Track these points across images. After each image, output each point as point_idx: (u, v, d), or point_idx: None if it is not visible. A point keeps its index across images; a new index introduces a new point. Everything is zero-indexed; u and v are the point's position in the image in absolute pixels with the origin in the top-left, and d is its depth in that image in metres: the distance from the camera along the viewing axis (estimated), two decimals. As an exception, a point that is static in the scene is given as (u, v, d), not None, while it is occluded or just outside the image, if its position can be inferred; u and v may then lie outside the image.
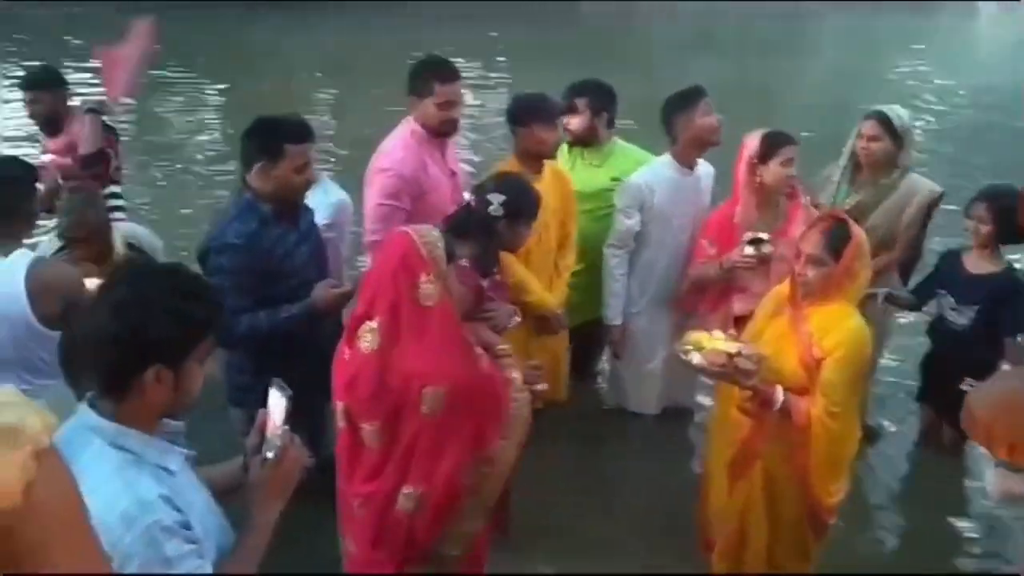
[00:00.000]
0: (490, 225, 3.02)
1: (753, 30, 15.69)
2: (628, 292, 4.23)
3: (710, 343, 2.85)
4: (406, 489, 2.55)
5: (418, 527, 2.58)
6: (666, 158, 4.13)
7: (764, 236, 3.63)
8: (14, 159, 3.54)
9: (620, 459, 4.39)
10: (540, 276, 3.94)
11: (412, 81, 3.71)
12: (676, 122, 4.02)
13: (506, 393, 2.65)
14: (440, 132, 3.73)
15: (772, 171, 3.69)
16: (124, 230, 3.80)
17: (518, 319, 3.27)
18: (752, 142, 3.75)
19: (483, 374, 2.61)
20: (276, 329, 3.11)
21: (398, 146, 3.72)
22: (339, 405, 2.65)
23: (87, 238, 3.47)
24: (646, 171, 4.15)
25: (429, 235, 2.55)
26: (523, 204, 3.10)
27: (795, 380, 2.84)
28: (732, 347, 2.80)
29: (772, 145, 3.69)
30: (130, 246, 3.74)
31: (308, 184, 3.21)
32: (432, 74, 3.66)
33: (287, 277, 3.16)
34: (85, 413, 1.74)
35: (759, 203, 3.77)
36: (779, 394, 2.80)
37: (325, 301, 3.16)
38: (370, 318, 2.53)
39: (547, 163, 4.04)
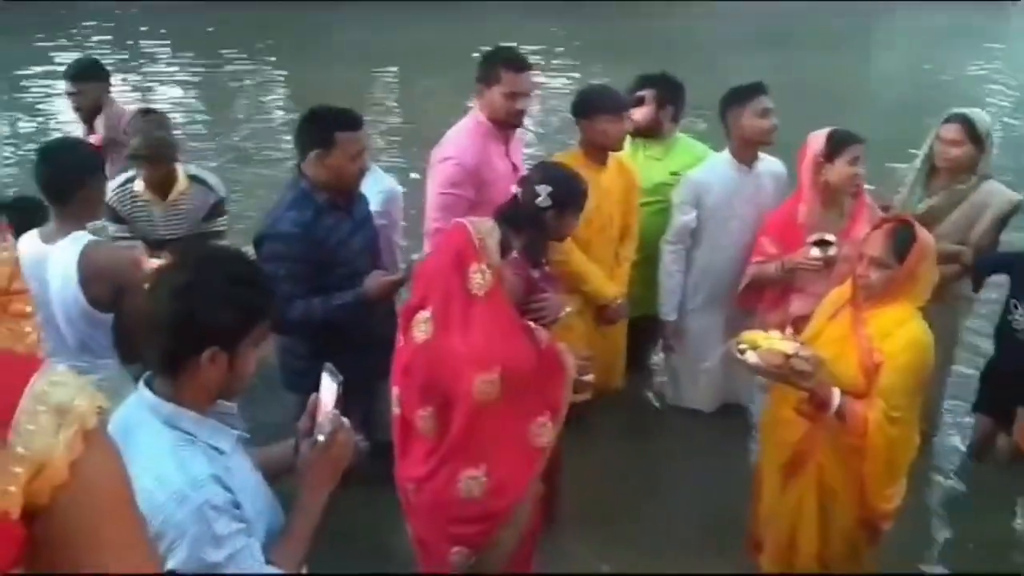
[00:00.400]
0: (538, 216, 3.02)
1: (822, 27, 15.39)
2: (684, 289, 4.18)
3: (766, 342, 2.81)
4: (471, 472, 2.56)
5: (489, 509, 2.60)
6: (725, 155, 4.08)
7: (830, 238, 3.55)
8: (79, 142, 3.60)
9: (670, 454, 4.35)
10: (601, 266, 3.93)
11: (481, 69, 3.70)
12: (729, 118, 3.98)
13: (564, 366, 2.69)
14: (506, 123, 3.71)
15: (838, 170, 3.60)
16: (189, 168, 3.96)
17: (569, 309, 3.25)
18: (817, 141, 3.67)
19: (540, 353, 2.63)
20: (329, 316, 3.16)
21: (462, 136, 3.72)
22: (394, 391, 2.69)
23: (155, 157, 3.57)
24: (704, 168, 4.11)
25: (483, 226, 2.58)
26: (570, 194, 3.08)
27: (853, 383, 2.78)
28: (789, 347, 2.75)
29: (838, 144, 3.60)
30: (193, 178, 3.90)
31: (362, 172, 3.25)
32: (501, 63, 3.65)
33: (341, 265, 3.21)
34: (142, 392, 1.79)
35: (824, 202, 3.69)
36: (836, 397, 2.74)
37: (377, 289, 3.19)
38: (423, 308, 2.55)
39: (612, 155, 4.01)
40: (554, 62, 12.36)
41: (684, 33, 13.98)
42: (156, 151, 3.59)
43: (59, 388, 1.00)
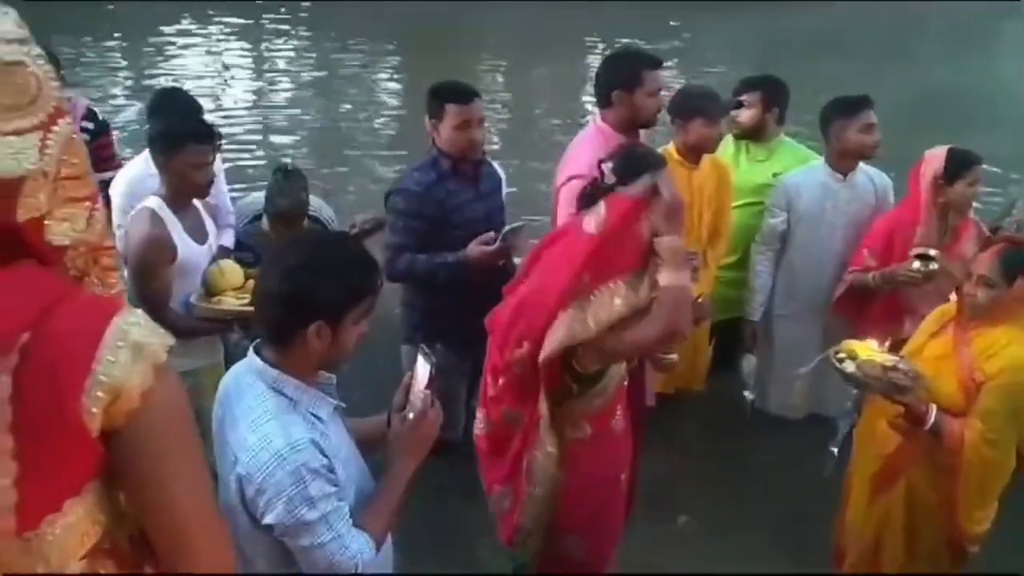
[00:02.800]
0: (608, 193, 3.01)
1: (950, 31, 14.78)
2: (774, 293, 4.14)
3: (865, 353, 2.77)
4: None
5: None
6: (821, 162, 4.03)
7: (933, 253, 3.46)
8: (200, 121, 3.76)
9: (747, 458, 4.31)
10: (686, 265, 3.89)
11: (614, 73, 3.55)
12: (832, 129, 3.91)
13: None
14: (638, 124, 3.54)
15: (958, 192, 3.53)
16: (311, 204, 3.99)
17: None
18: (936, 160, 3.57)
19: None
20: (432, 272, 3.42)
21: (584, 147, 3.50)
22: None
23: (297, 219, 3.72)
24: (799, 172, 4.07)
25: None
26: (632, 165, 2.91)
27: (952, 402, 2.72)
28: (889, 360, 2.71)
29: (960, 166, 3.52)
30: (313, 220, 4.00)
31: (472, 143, 3.45)
32: (647, 65, 3.51)
33: (455, 228, 3.45)
34: (252, 357, 1.94)
35: (942, 222, 3.62)
36: (932, 413, 2.68)
37: (477, 255, 3.38)
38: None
39: (706, 154, 3.97)
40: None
41: (801, 33, 13.61)
42: (299, 212, 3.75)
43: (136, 327, 1.13)
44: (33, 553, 1.13)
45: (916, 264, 3.48)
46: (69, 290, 1.16)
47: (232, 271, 3.16)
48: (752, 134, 4.36)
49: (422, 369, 2.07)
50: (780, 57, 10.74)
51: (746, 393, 4.28)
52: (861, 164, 3.99)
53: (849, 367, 2.76)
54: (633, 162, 2.95)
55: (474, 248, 3.38)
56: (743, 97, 4.33)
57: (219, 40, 12.32)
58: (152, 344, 1.14)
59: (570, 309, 2.42)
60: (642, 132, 3.56)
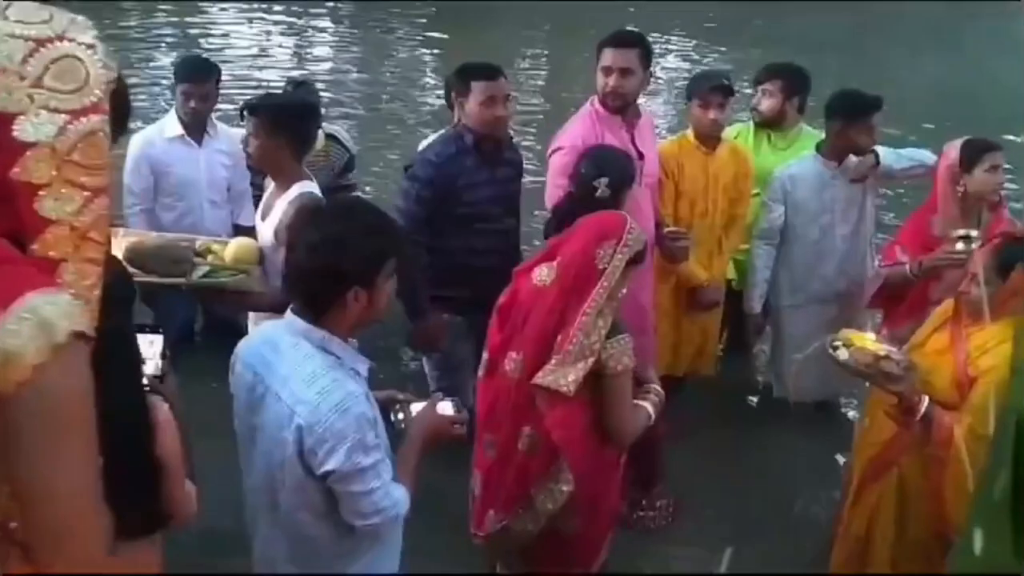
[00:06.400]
0: (601, 207, 2.92)
1: (996, 28, 14.37)
2: (777, 284, 4.13)
3: (860, 341, 2.78)
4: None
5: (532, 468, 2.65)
6: (813, 152, 4.03)
7: (974, 233, 3.39)
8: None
9: (752, 443, 4.31)
10: (699, 250, 3.90)
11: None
12: (834, 123, 3.91)
13: None
14: (604, 104, 3.58)
15: (977, 179, 3.46)
16: (325, 127, 4.22)
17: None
18: (953, 149, 3.53)
19: None
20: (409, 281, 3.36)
21: (576, 124, 3.62)
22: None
23: None
24: (793, 164, 4.05)
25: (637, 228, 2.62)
26: (624, 175, 3.05)
27: (945, 396, 2.72)
28: (881, 349, 2.72)
29: (976, 152, 3.47)
30: (329, 137, 4.27)
31: (498, 120, 3.50)
32: (604, 43, 3.59)
33: (462, 205, 3.49)
34: (292, 319, 2.06)
35: (962, 213, 3.54)
36: (923, 404, 2.68)
37: (423, 342, 3.69)
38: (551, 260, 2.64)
39: (726, 141, 4.00)
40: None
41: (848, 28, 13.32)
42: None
43: (51, 307, 1.17)
44: None
45: (959, 245, 3.41)
46: (11, 258, 1.21)
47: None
48: (772, 122, 4.34)
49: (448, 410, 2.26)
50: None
51: (760, 378, 4.28)
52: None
53: (843, 355, 2.77)
54: (625, 171, 3.06)
55: (423, 339, 3.63)
56: (764, 85, 4.31)
57: (259, 19, 12.37)
58: (59, 323, 1.17)
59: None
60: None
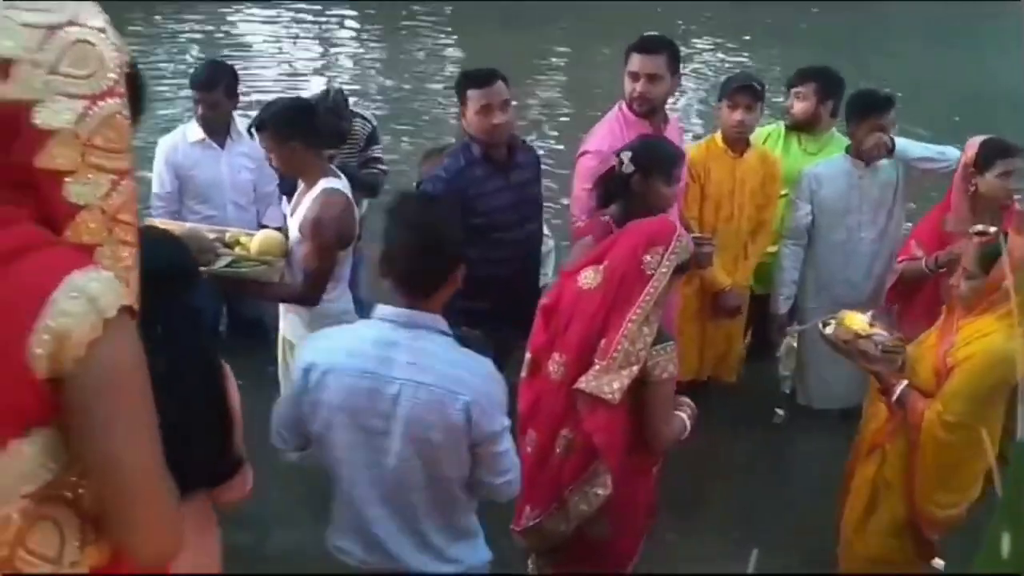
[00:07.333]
0: (625, 182, 3.04)
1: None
2: (803, 286, 4.15)
3: (851, 321, 2.92)
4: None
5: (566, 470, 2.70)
6: (843, 151, 4.06)
7: (992, 229, 3.37)
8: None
9: (772, 449, 4.32)
10: (724, 255, 3.95)
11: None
12: (852, 123, 3.94)
13: None
14: (631, 109, 3.64)
15: (988, 182, 3.51)
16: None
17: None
18: (972, 147, 3.58)
19: None
20: None
21: (603, 127, 3.70)
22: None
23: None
24: (820, 163, 4.10)
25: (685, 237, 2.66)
26: (651, 158, 3.04)
27: (926, 384, 2.82)
28: (866, 330, 2.86)
29: (991, 154, 3.50)
30: (356, 115, 4.48)
31: (495, 128, 3.43)
32: (631, 47, 3.63)
33: (477, 216, 3.44)
34: (396, 313, 2.16)
35: (973, 212, 3.58)
36: (899, 387, 2.81)
37: None
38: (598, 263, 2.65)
39: (755, 145, 4.04)
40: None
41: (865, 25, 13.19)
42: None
43: (95, 283, 1.21)
44: None
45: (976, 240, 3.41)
46: (49, 241, 1.25)
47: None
48: (805, 126, 4.36)
49: None
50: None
51: (784, 388, 4.27)
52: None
53: (828, 329, 2.94)
54: (655, 156, 3.01)
55: None
56: (797, 88, 4.33)
57: (284, 19, 12.44)
58: (107, 298, 1.22)
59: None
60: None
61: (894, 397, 2.83)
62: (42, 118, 1.22)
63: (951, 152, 3.88)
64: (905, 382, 2.82)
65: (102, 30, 1.28)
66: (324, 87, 4.99)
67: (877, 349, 2.82)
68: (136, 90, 1.45)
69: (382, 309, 2.18)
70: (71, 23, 1.24)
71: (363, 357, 2.15)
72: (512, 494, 2.34)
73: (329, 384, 2.16)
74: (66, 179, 1.25)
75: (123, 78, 1.30)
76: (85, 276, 1.21)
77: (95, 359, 1.20)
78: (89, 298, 1.20)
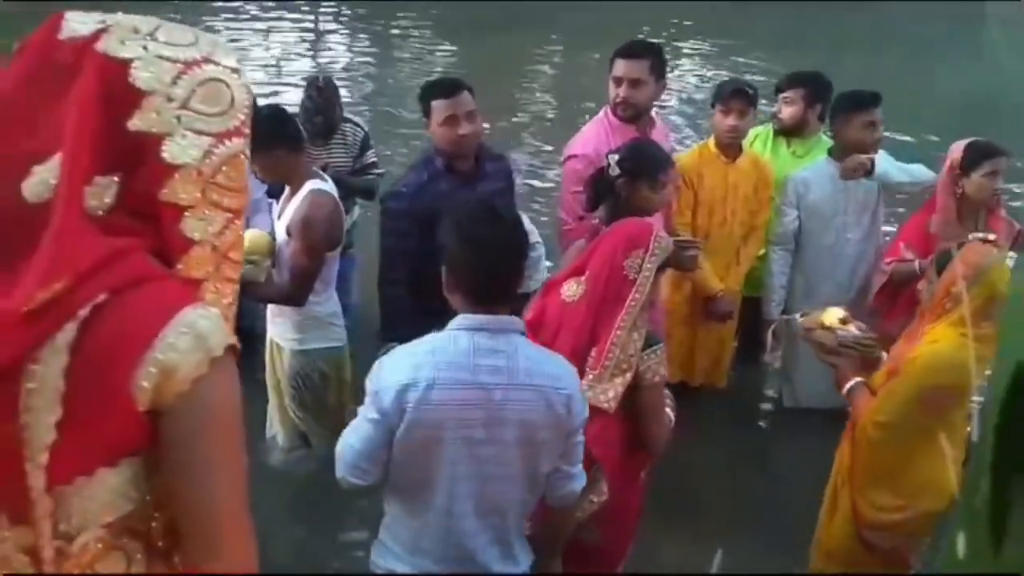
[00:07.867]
0: (612, 185, 3.01)
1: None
2: (792, 290, 4.17)
3: (825, 314, 2.96)
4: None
5: None
6: (826, 156, 4.09)
7: (991, 236, 3.42)
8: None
9: (773, 451, 4.33)
10: (716, 260, 3.97)
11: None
12: (837, 122, 3.98)
13: None
14: (615, 114, 3.67)
15: (974, 183, 3.54)
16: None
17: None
18: (957, 149, 3.61)
19: None
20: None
21: (588, 131, 3.71)
22: None
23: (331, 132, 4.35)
24: (806, 168, 4.13)
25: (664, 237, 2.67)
26: (639, 162, 3.01)
27: (878, 385, 2.85)
28: (832, 324, 2.90)
29: (977, 156, 3.54)
30: (345, 119, 4.49)
31: (461, 139, 3.32)
32: (616, 53, 3.66)
33: None
34: (487, 320, 2.15)
35: (959, 214, 3.62)
36: (850, 383, 2.85)
37: None
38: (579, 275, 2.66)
39: (748, 151, 4.07)
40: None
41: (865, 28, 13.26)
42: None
43: (204, 320, 1.22)
44: (58, 505, 1.20)
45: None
46: (162, 275, 1.26)
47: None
48: (794, 130, 4.39)
49: None
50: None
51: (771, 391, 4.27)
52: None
53: (797, 318, 3.04)
54: (642, 160, 3.00)
55: None
56: (786, 93, 4.34)
57: (273, 20, 12.42)
58: (215, 337, 1.22)
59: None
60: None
61: (844, 391, 2.86)
62: (170, 152, 1.23)
63: (927, 174, 3.91)
64: (858, 379, 2.84)
65: (236, 70, 1.31)
66: (314, 76, 4.87)
67: (834, 342, 2.85)
68: (252, 130, 1.42)
69: (466, 319, 2.15)
70: (207, 60, 1.27)
71: (464, 369, 2.11)
72: (581, 485, 2.34)
73: (433, 400, 2.08)
74: (185, 213, 1.26)
75: (249, 118, 1.33)
76: (195, 313, 1.22)
77: (198, 396, 1.20)
78: (198, 335, 1.20)
